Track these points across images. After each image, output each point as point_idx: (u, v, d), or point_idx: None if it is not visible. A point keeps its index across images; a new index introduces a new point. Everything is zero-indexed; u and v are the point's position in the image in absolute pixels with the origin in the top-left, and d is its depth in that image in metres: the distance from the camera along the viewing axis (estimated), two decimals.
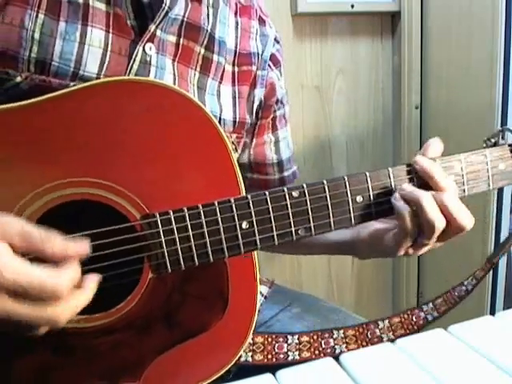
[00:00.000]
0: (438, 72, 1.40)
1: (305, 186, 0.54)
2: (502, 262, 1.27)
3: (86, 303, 0.45)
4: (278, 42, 0.78)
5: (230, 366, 0.57)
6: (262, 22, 0.75)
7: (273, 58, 0.76)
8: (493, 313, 0.60)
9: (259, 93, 0.73)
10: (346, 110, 1.48)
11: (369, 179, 0.56)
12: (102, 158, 0.50)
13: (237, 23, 0.71)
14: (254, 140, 0.78)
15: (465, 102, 1.30)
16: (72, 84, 0.55)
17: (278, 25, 1.34)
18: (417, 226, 0.56)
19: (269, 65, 0.75)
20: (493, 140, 0.64)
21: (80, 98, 0.50)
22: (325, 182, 0.55)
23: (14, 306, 0.41)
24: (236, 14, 0.72)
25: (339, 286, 1.58)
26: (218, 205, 0.51)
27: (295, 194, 0.54)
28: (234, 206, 0.52)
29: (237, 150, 0.73)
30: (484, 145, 0.64)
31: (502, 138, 0.63)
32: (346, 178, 0.55)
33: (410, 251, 0.60)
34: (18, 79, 0.54)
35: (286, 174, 0.82)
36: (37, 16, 0.54)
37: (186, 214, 0.51)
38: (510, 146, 0.63)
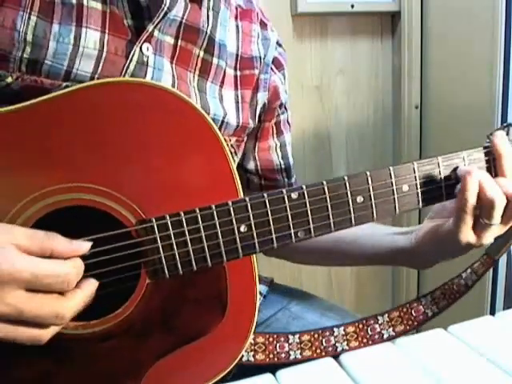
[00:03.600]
0: (437, 72, 1.40)
1: (304, 187, 0.53)
2: (502, 262, 1.27)
3: (85, 303, 0.47)
4: (280, 46, 0.77)
5: (230, 368, 0.56)
6: (263, 25, 0.75)
7: (275, 61, 0.75)
8: (493, 313, 0.60)
9: (262, 96, 0.73)
10: (345, 110, 1.48)
11: (369, 179, 0.55)
12: (94, 162, 0.49)
13: (237, 27, 0.71)
14: (258, 144, 0.77)
15: (465, 101, 1.30)
16: (64, 85, 0.55)
17: (277, 25, 1.34)
18: (476, 204, 0.56)
19: (271, 68, 0.74)
20: None
21: (71, 100, 0.49)
22: (324, 182, 0.54)
23: (27, 298, 0.42)
24: (236, 17, 0.71)
25: (339, 285, 1.58)
26: (216, 208, 0.50)
27: (294, 195, 0.53)
28: (231, 209, 0.51)
29: (236, 154, 0.72)
30: (487, 140, 0.62)
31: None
32: (346, 179, 0.54)
33: (472, 238, 0.58)
34: (9, 80, 0.53)
35: (292, 180, 0.82)
36: (29, 18, 0.53)
37: (183, 219, 0.50)
38: None
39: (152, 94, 0.50)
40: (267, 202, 0.52)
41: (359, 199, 0.55)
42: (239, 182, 0.53)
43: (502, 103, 1.18)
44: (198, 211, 0.50)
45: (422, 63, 1.43)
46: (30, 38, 0.53)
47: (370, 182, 0.55)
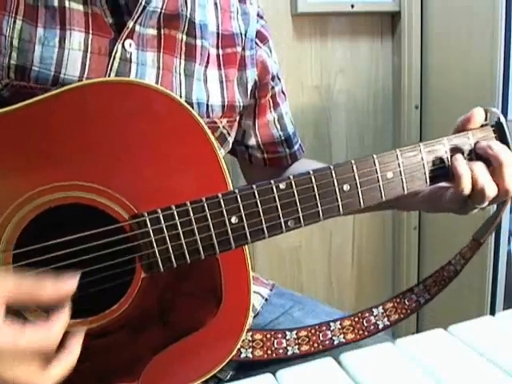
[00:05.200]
0: (437, 72, 1.40)
1: (291, 177, 0.54)
2: (502, 262, 1.27)
3: (75, 361, 0.45)
4: (261, 18, 0.77)
5: (226, 361, 0.57)
6: None
7: (259, 34, 0.75)
8: (493, 313, 0.60)
9: (251, 73, 0.73)
10: (345, 110, 1.48)
11: (355, 167, 0.56)
12: (86, 161, 0.50)
13: (215, 4, 0.70)
14: (257, 121, 0.78)
15: (465, 102, 1.30)
16: (54, 89, 0.54)
17: (278, 25, 1.35)
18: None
19: (256, 43, 0.74)
20: None
21: (62, 101, 0.50)
22: (311, 172, 0.55)
23: (6, 370, 0.41)
24: None
25: (339, 285, 1.58)
26: (206, 201, 0.51)
27: (282, 186, 0.54)
28: (222, 201, 0.52)
29: (230, 134, 0.72)
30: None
31: (486, 119, 0.63)
32: (332, 168, 0.55)
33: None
34: None
35: (295, 147, 0.83)
36: (14, 22, 0.54)
37: (175, 212, 0.51)
38: (492, 126, 0.63)
39: (139, 92, 0.51)
40: (256, 192, 0.53)
41: (346, 187, 0.56)
42: (228, 174, 0.54)
43: (502, 103, 1.18)
44: (189, 204, 0.51)
45: (422, 63, 1.43)
46: (16, 42, 0.54)
47: (355, 170, 0.56)
